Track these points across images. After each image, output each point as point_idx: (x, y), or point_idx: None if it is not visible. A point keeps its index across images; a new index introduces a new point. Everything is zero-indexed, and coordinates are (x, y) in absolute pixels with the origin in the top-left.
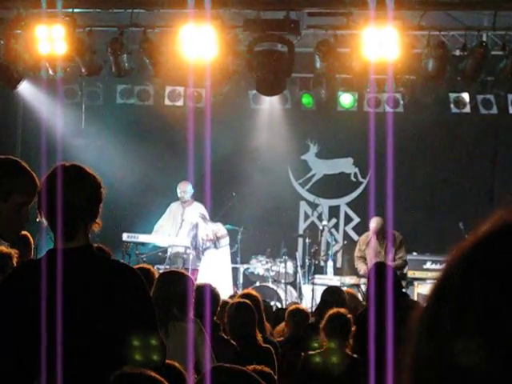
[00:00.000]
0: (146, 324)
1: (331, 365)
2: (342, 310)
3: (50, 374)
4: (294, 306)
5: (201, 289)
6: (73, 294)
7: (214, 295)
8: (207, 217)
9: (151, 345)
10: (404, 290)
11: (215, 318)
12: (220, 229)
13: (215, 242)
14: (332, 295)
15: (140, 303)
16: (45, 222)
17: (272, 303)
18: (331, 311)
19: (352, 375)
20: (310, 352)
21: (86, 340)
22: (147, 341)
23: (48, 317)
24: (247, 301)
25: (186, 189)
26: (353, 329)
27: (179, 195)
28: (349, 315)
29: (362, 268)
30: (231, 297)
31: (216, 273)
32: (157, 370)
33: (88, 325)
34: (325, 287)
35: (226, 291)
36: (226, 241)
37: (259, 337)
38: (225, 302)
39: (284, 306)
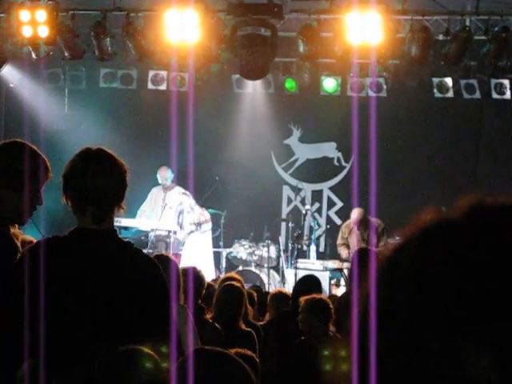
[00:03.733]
0: (162, 310)
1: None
2: (320, 295)
3: (68, 346)
4: (276, 290)
5: (185, 272)
6: (98, 273)
7: (199, 279)
8: (191, 197)
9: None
10: None
11: (200, 302)
12: (204, 213)
13: (198, 226)
14: (307, 284)
15: (159, 290)
16: (69, 204)
17: None
18: (309, 296)
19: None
20: (303, 337)
21: (107, 317)
22: (163, 330)
23: (71, 293)
24: (237, 284)
25: (166, 175)
26: (332, 313)
27: (161, 182)
28: (327, 299)
29: (344, 252)
30: (214, 280)
31: (198, 257)
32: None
33: (108, 304)
34: (307, 271)
35: (208, 275)
36: (208, 226)
37: (241, 321)
38: (209, 285)
39: (267, 290)
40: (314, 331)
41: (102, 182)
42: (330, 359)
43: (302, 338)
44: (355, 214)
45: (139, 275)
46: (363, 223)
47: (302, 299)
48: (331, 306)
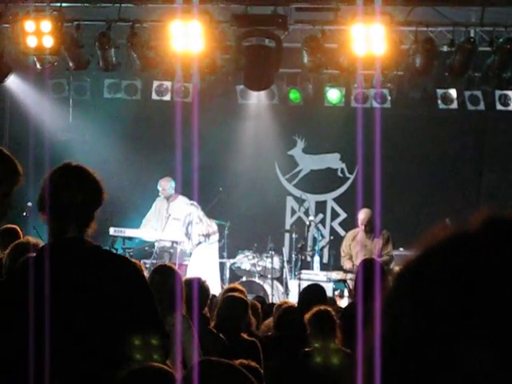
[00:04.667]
0: (145, 311)
1: (332, 362)
2: (326, 307)
3: (46, 366)
4: (282, 301)
5: (190, 283)
6: (64, 287)
7: (203, 289)
8: (199, 208)
9: (152, 335)
10: None
11: (204, 312)
12: (212, 225)
13: (207, 237)
14: (313, 293)
15: (137, 291)
16: (44, 220)
17: None
18: (316, 308)
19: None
20: (307, 349)
21: (82, 332)
22: (148, 330)
23: (39, 313)
24: (240, 295)
25: (165, 186)
26: (338, 324)
27: (160, 193)
28: (332, 311)
29: (347, 264)
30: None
31: (205, 268)
32: (161, 358)
33: (80, 318)
34: (311, 282)
35: (214, 287)
36: (216, 237)
37: (243, 331)
38: (213, 296)
39: (271, 301)
40: (320, 343)
41: (66, 197)
42: (320, 352)
43: (307, 349)
44: (363, 214)
45: (109, 277)
46: (369, 225)
47: (308, 313)
48: (335, 317)
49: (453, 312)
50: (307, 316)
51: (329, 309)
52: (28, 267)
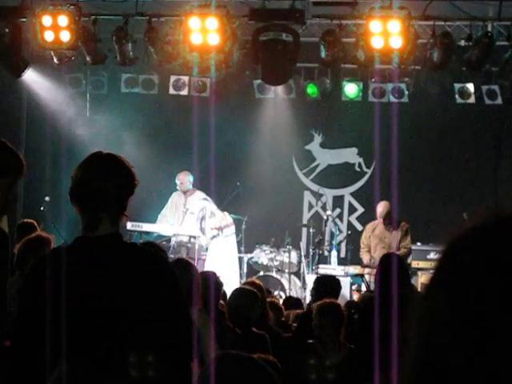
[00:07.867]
0: (175, 311)
1: (327, 355)
2: (333, 300)
3: (76, 360)
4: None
5: (205, 277)
6: (95, 282)
7: (218, 283)
8: (212, 202)
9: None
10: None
11: (220, 306)
12: (226, 218)
13: (220, 230)
14: (324, 285)
15: (169, 290)
16: (75, 209)
17: (276, 293)
18: (322, 301)
19: (348, 365)
20: (309, 341)
21: (113, 325)
22: (176, 330)
23: (69, 307)
24: (248, 286)
25: (184, 180)
26: (345, 318)
27: (178, 186)
28: (339, 303)
29: (365, 258)
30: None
31: (223, 261)
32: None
33: (113, 311)
34: None
35: (233, 280)
36: (231, 230)
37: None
38: None
39: (289, 295)
40: (325, 337)
41: (100, 185)
42: (316, 368)
43: (310, 341)
44: (381, 206)
45: (140, 277)
46: (388, 218)
47: (315, 304)
48: (342, 310)
49: (487, 297)
50: (314, 307)
51: (335, 302)
52: (51, 263)
